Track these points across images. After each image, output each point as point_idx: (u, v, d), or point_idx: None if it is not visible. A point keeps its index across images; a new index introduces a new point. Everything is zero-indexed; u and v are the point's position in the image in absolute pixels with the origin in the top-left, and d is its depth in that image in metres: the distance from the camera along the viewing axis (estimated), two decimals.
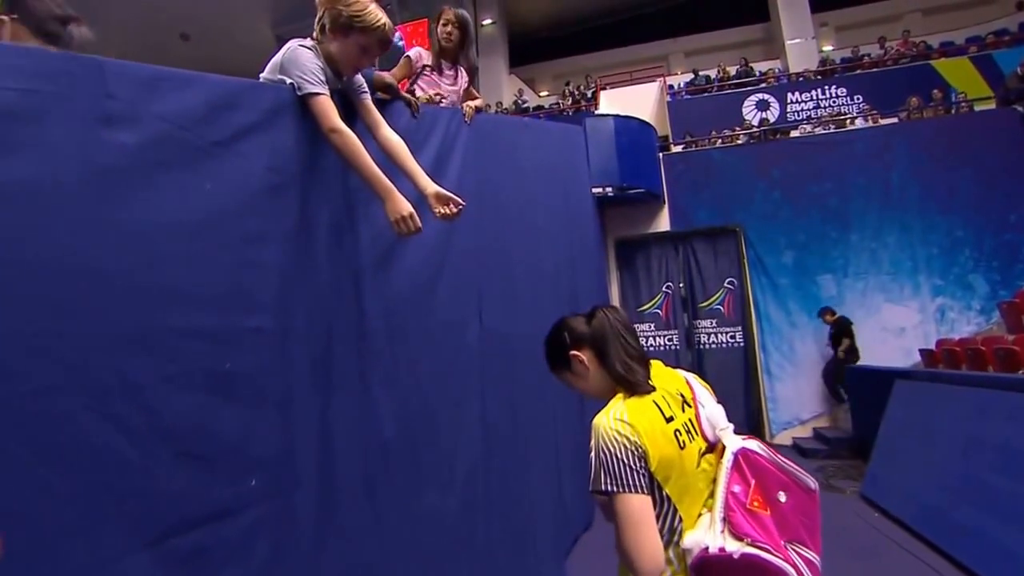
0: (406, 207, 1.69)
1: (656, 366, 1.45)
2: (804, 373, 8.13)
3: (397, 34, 1.99)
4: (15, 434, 1.01)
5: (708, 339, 8.69)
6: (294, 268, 1.63)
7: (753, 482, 1.28)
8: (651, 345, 8.79)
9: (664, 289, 8.94)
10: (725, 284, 8.75)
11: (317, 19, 1.83)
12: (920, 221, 8.02)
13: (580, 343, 1.44)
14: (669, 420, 1.31)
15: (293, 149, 1.68)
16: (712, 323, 8.71)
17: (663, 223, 8.99)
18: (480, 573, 2.57)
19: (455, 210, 1.81)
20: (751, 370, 8.42)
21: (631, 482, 1.21)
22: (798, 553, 1.25)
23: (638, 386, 1.35)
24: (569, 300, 4.63)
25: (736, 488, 1.27)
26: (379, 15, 1.81)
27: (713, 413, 1.39)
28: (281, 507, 1.49)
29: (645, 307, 8.96)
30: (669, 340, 8.79)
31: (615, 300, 8.90)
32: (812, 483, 1.32)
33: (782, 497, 1.28)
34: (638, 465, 1.22)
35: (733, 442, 1.34)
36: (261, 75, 1.82)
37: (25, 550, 1.00)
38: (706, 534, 1.25)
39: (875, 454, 5.43)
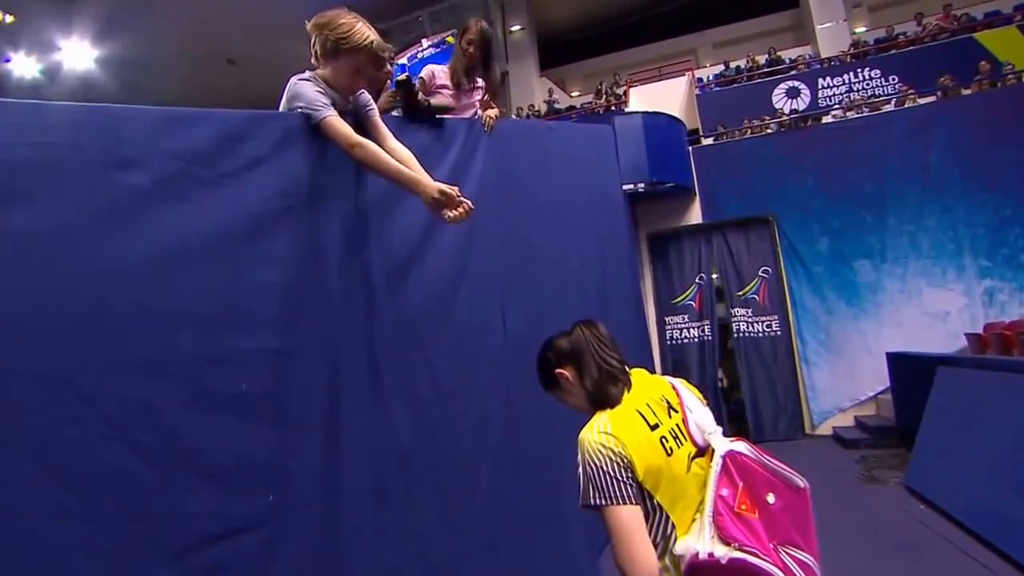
0: (436, 185, 1.71)
1: (639, 374, 1.40)
2: (843, 360, 7.72)
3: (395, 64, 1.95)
4: (37, 462, 1.05)
5: (745, 328, 8.38)
6: (304, 288, 1.64)
7: (741, 485, 1.24)
8: (685, 336, 8.61)
9: (697, 281, 8.69)
10: (760, 273, 8.44)
11: (311, 46, 1.83)
12: (963, 202, 7.47)
13: (562, 361, 1.42)
14: (654, 428, 1.27)
15: (303, 173, 1.71)
16: (748, 312, 8.41)
17: (695, 215, 8.73)
18: (510, 573, 2.52)
19: (462, 211, 1.75)
20: (789, 359, 8.08)
21: (619, 494, 1.18)
22: (790, 555, 1.20)
23: (609, 401, 1.31)
24: (599, 299, 4.52)
25: (724, 492, 1.24)
26: (366, 33, 1.79)
27: (701, 417, 1.35)
28: (297, 521, 1.49)
29: (679, 299, 8.75)
30: (701, 331, 8.55)
31: (648, 294, 8.75)
32: (801, 482, 1.27)
33: (771, 499, 1.24)
34: (625, 476, 1.19)
35: (721, 445, 1.30)
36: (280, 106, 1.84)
37: (49, 572, 1.04)
38: (697, 540, 1.22)
39: (918, 444, 5.10)
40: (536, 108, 14.53)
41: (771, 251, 8.39)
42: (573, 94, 16.59)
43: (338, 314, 1.77)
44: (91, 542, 1.09)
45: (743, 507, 1.22)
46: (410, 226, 2.14)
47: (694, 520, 1.26)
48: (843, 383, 7.68)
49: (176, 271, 1.33)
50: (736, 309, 8.47)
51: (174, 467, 1.24)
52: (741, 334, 8.40)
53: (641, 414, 1.27)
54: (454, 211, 1.73)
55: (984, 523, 3.73)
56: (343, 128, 1.71)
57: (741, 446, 1.30)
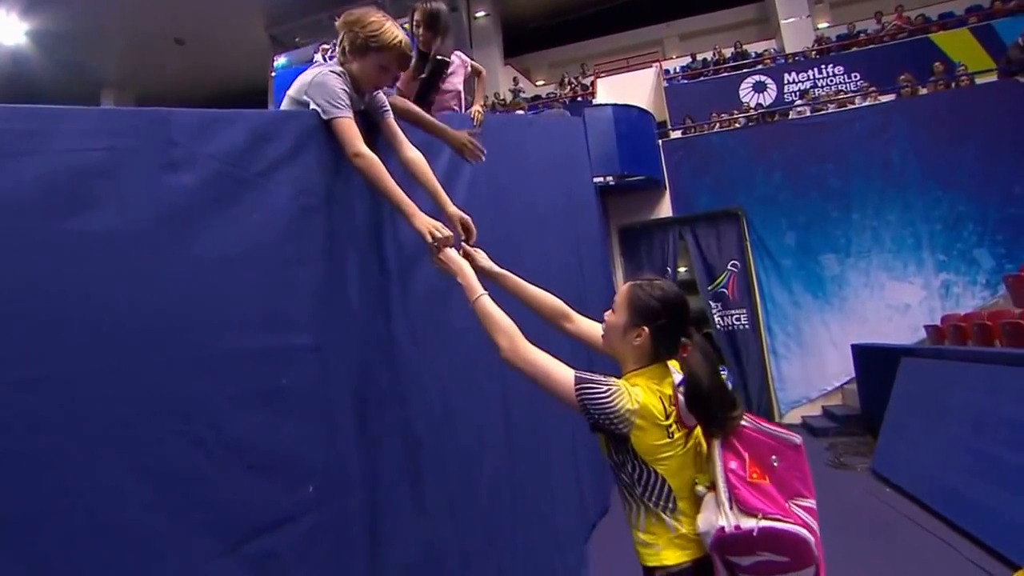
0: (429, 222, 1.75)
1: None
2: (810, 352, 8.18)
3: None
4: (119, 458, 1.11)
5: (715, 321, 8.72)
6: (327, 286, 1.71)
7: (747, 455, 1.36)
8: None
9: (668, 268, 8.96)
10: (728, 267, 8.78)
11: (339, 42, 1.91)
12: (922, 198, 8.02)
13: (653, 321, 1.49)
14: (667, 417, 1.40)
15: (320, 172, 1.76)
16: (717, 306, 8.75)
17: (665, 209, 9.02)
18: (509, 566, 2.64)
19: (472, 239, 1.94)
20: (758, 351, 8.47)
21: (588, 387, 1.39)
22: (800, 507, 1.35)
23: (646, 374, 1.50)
24: (577, 293, 4.67)
25: (733, 464, 1.35)
26: (395, 33, 1.88)
27: None
28: (334, 511, 1.58)
29: None
30: None
31: (620, 287, 8.93)
32: (796, 439, 1.40)
33: (775, 462, 1.36)
34: (615, 417, 1.36)
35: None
36: (287, 92, 1.89)
37: (135, 559, 1.11)
38: (718, 515, 1.32)
39: (883, 431, 5.49)
40: (501, 97, 14.61)
41: (740, 245, 8.75)
42: (538, 83, 16.69)
43: (358, 311, 1.85)
44: (168, 532, 1.16)
45: (754, 475, 1.34)
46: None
47: (695, 484, 1.42)
48: (810, 374, 8.13)
49: (224, 270, 1.39)
50: (707, 302, 8.80)
51: (228, 460, 1.31)
52: (708, 328, 8.73)
53: (663, 402, 1.41)
54: (434, 256, 1.78)
55: (945, 503, 4.09)
56: (352, 133, 1.76)
57: (751, 422, 1.40)
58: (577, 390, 1.40)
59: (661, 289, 1.52)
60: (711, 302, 8.77)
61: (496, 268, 1.94)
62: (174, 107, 1.40)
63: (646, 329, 1.48)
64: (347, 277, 1.82)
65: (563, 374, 1.44)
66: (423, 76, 2.93)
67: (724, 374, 1.49)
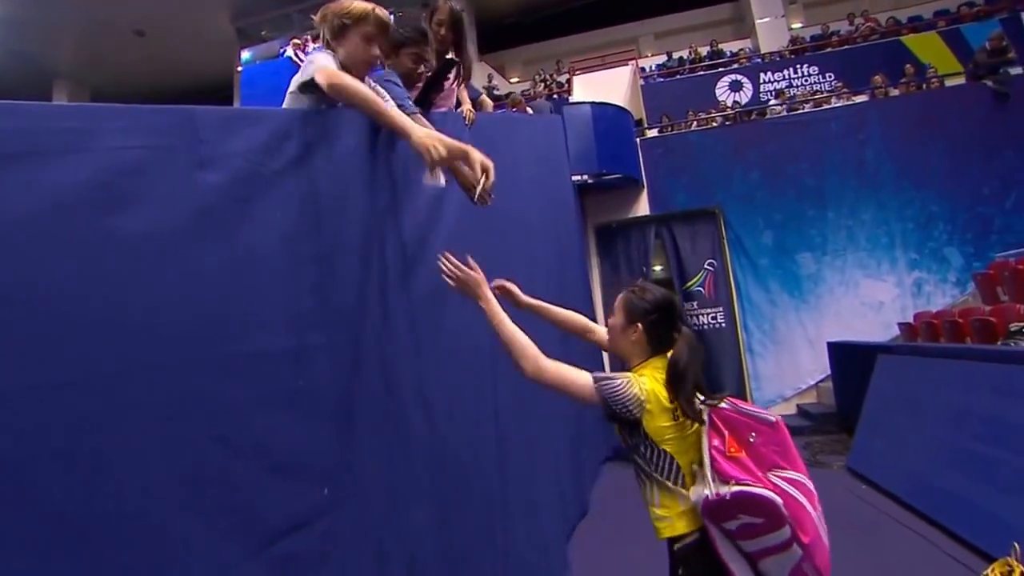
0: (428, 138, 1.66)
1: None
2: (786, 350, 8.32)
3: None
4: (157, 459, 1.13)
5: (690, 320, 8.81)
6: (336, 285, 1.72)
7: (727, 433, 1.58)
8: None
9: (645, 273, 9.03)
10: (705, 266, 8.88)
11: (321, 39, 1.92)
12: (895, 197, 8.23)
13: (655, 323, 1.73)
14: (672, 401, 1.61)
15: (332, 171, 1.78)
16: (694, 305, 8.84)
17: (643, 207, 9.08)
18: (502, 566, 2.65)
19: (489, 182, 1.82)
20: (735, 350, 8.58)
21: (606, 382, 1.61)
22: (779, 476, 1.56)
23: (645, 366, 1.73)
24: (559, 291, 4.67)
25: (715, 442, 1.57)
26: (365, 4, 1.89)
27: None
28: (347, 513, 1.59)
29: None
30: None
31: (596, 286, 8.99)
32: (772, 418, 1.63)
33: (753, 438, 1.59)
34: (628, 404, 1.58)
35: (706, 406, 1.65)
36: (288, 91, 1.89)
37: (175, 561, 1.13)
38: (703, 487, 1.54)
39: (860, 428, 5.59)
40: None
41: (717, 244, 8.86)
42: (512, 80, 16.71)
43: (366, 311, 1.85)
44: (203, 534, 1.17)
45: (732, 450, 1.56)
46: (414, 226, 2.24)
47: (692, 463, 1.61)
48: (786, 372, 8.27)
49: (246, 270, 1.40)
50: (682, 303, 8.89)
51: (252, 462, 1.31)
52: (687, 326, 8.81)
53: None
54: (483, 182, 1.76)
55: (921, 498, 4.17)
56: (330, 66, 1.74)
57: (722, 403, 1.64)
58: (597, 387, 1.61)
59: (651, 293, 1.77)
60: (685, 302, 8.85)
61: (532, 301, 2.13)
62: (133, 102, 1.39)
63: (639, 326, 1.73)
64: (355, 277, 1.83)
65: (582, 378, 1.65)
66: (429, 75, 2.87)
67: None
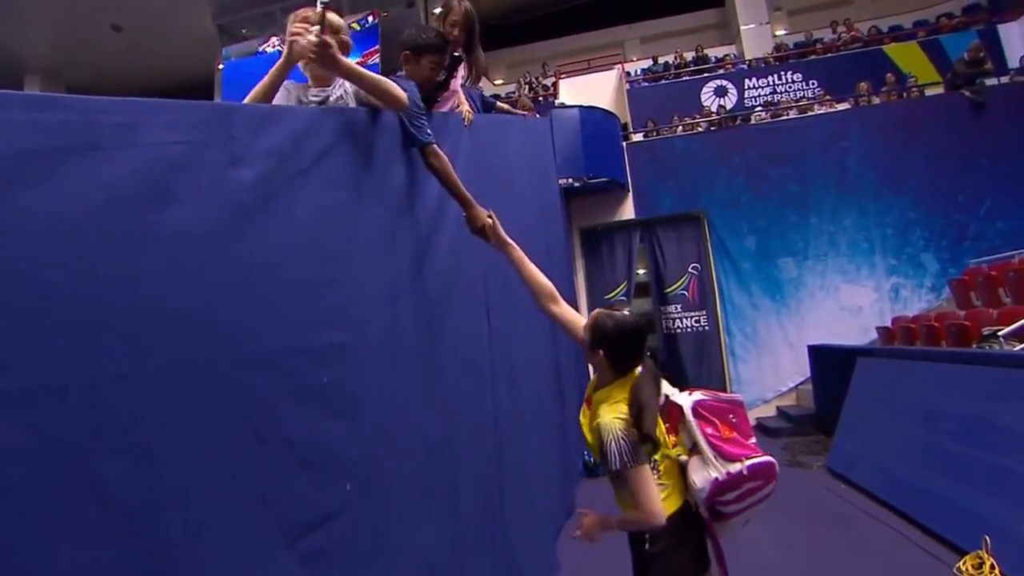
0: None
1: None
2: (767, 353, 8.54)
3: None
4: (201, 453, 1.15)
5: (674, 324, 9.00)
6: (355, 284, 1.77)
7: (716, 420, 1.83)
8: None
9: (630, 276, 9.20)
10: (689, 269, 9.06)
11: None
12: (875, 203, 8.49)
13: (615, 352, 1.87)
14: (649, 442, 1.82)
15: (351, 169, 1.85)
16: (677, 308, 9.02)
17: (628, 211, 9.22)
18: (502, 565, 2.74)
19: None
20: (717, 353, 8.77)
21: (641, 456, 1.72)
22: (754, 441, 1.86)
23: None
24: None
25: (709, 430, 1.81)
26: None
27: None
28: (368, 508, 1.65)
29: (611, 295, 9.20)
30: None
31: (581, 289, 9.12)
32: (738, 397, 1.96)
33: (733, 419, 1.86)
34: (624, 455, 1.70)
35: (684, 400, 1.89)
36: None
37: (218, 555, 1.16)
38: (709, 470, 1.79)
39: (840, 429, 5.78)
40: None
41: (701, 248, 9.04)
42: (496, 82, 16.78)
43: (381, 309, 1.91)
44: (241, 528, 1.21)
45: (725, 433, 1.82)
46: (423, 224, 2.31)
47: (677, 457, 1.87)
48: (767, 375, 8.48)
49: (276, 267, 1.44)
50: (666, 306, 9.07)
51: (284, 455, 1.35)
52: (669, 331, 9.01)
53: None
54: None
55: (898, 496, 4.36)
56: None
57: (697, 395, 1.89)
58: (612, 471, 1.75)
59: (617, 320, 1.85)
60: (668, 305, 9.06)
61: (509, 243, 2.24)
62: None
63: (601, 352, 1.86)
64: (370, 278, 1.88)
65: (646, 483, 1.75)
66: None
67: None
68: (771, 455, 1.84)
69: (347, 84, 2.04)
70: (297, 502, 1.37)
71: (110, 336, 1.03)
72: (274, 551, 1.28)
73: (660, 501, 1.71)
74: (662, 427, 1.86)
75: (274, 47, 11.55)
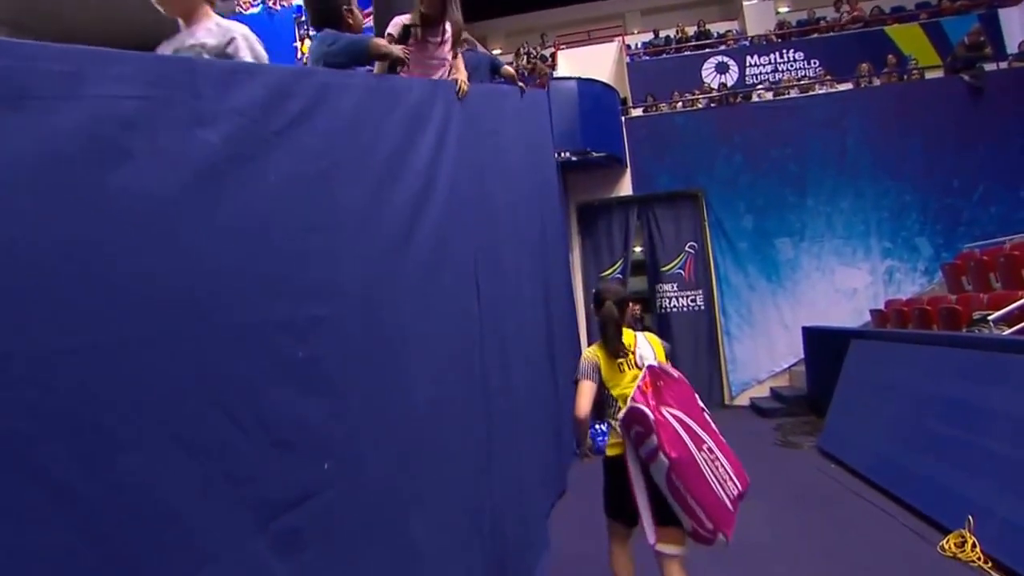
0: None
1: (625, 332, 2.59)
2: (762, 334, 8.52)
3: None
4: (164, 432, 1.09)
5: (669, 303, 8.96)
6: (338, 254, 1.69)
7: (648, 377, 2.33)
8: None
9: (625, 254, 9.12)
10: (686, 248, 9.00)
11: None
12: (872, 186, 8.41)
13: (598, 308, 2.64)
14: (616, 357, 2.54)
15: (334, 134, 1.75)
16: (673, 287, 8.97)
17: (625, 187, 9.11)
18: (490, 548, 2.70)
19: None
20: (712, 333, 8.75)
21: (586, 376, 2.50)
22: (667, 410, 2.23)
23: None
24: (542, 271, 4.70)
25: (641, 384, 2.31)
26: None
27: (645, 354, 2.51)
28: (347, 487, 1.59)
29: (607, 272, 9.13)
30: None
31: (576, 266, 9.03)
32: (675, 373, 2.41)
33: (660, 384, 2.32)
34: (592, 370, 2.51)
35: (649, 364, 2.42)
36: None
37: (184, 538, 1.10)
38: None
39: (831, 410, 5.78)
40: None
41: (698, 226, 8.96)
42: (494, 52, 16.50)
43: (365, 282, 1.82)
44: (211, 509, 1.15)
45: (644, 387, 2.29)
46: (411, 192, 2.22)
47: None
48: (761, 356, 8.48)
49: (248, 236, 1.35)
50: (661, 285, 9.01)
51: (258, 435, 1.28)
52: (664, 310, 8.96)
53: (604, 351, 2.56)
54: None
55: (887, 476, 4.36)
56: None
57: (656, 364, 2.40)
58: (575, 380, 2.56)
59: (600, 289, 2.72)
60: (663, 285, 9.02)
61: None
62: None
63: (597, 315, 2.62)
64: (351, 248, 1.80)
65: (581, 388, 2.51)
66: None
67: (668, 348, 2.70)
68: (648, 407, 2.24)
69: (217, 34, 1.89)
70: (270, 481, 1.31)
71: (52, 306, 0.94)
72: (244, 534, 1.22)
73: (586, 405, 2.43)
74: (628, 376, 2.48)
75: (251, 6, 11.21)
